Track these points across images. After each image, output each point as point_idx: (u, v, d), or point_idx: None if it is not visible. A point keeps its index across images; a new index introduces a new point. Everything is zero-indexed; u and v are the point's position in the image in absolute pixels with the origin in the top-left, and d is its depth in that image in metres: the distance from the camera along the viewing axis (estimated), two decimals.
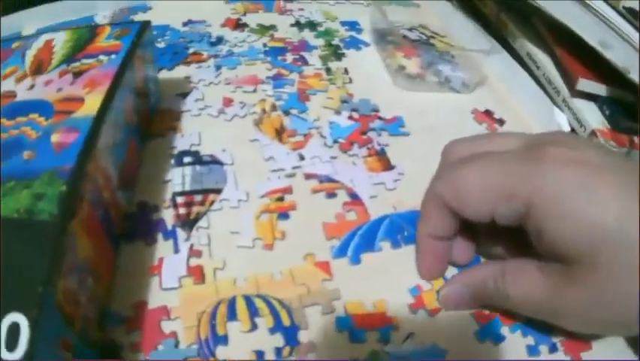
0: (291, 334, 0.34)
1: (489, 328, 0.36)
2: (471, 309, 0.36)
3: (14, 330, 0.24)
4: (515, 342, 0.35)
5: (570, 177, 0.29)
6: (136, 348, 0.33)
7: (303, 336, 0.34)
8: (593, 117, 0.52)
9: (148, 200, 0.41)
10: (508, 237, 0.36)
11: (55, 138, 0.32)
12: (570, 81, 0.53)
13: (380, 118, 0.50)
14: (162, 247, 0.38)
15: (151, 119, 0.48)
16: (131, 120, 0.42)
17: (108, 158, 0.36)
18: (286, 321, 0.35)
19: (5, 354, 0.23)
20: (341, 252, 0.39)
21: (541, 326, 0.35)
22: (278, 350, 0.33)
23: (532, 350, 0.35)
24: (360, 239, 0.40)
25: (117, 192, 0.38)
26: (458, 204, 0.33)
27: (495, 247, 0.37)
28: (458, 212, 0.34)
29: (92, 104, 0.35)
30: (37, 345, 0.24)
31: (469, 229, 0.37)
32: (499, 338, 0.35)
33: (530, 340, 0.35)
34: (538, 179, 0.30)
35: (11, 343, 0.23)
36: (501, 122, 0.53)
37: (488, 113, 0.54)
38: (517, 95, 0.57)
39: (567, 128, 0.53)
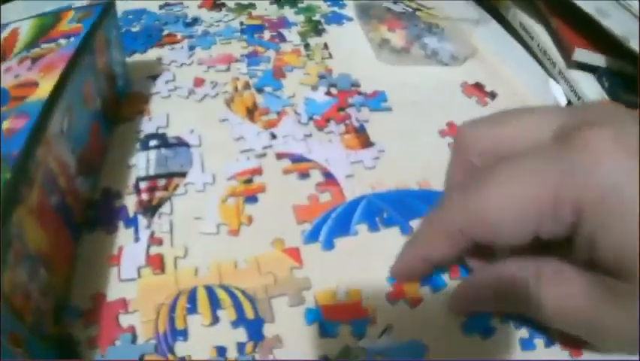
0: (254, 328, 0.30)
1: (477, 320, 0.32)
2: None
3: None
4: (507, 336, 0.31)
5: (624, 169, 0.22)
6: (93, 343, 0.30)
7: (269, 330, 0.31)
8: (591, 89, 0.48)
9: (112, 186, 0.38)
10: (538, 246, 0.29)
11: (6, 124, 0.29)
12: (566, 52, 0.49)
13: (360, 93, 0.46)
14: (123, 236, 0.35)
15: (119, 103, 0.44)
16: (93, 104, 0.39)
17: (64, 143, 0.33)
18: (250, 314, 0.31)
19: None
20: (312, 237, 0.35)
21: None
22: (240, 346, 0.30)
23: (527, 345, 0.31)
24: (334, 222, 0.36)
25: (76, 179, 0.34)
26: (488, 235, 0.27)
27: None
28: (486, 242, 0.27)
29: (45, 88, 0.32)
30: None
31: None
32: (488, 331, 0.31)
33: (524, 333, 0.31)
34: (586, 176, 0.23)
35: None
36: (492, 95, 0.48)
37: (478, 86, 0.49)
38: (509, 67, 0.52)
39: (563, 100, 0.49)
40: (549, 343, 0.31)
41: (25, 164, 0.27)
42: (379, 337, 0.31)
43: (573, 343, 0.30)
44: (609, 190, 0.23)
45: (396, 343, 0.31)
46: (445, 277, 0.34)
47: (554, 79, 0.51)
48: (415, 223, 0.36)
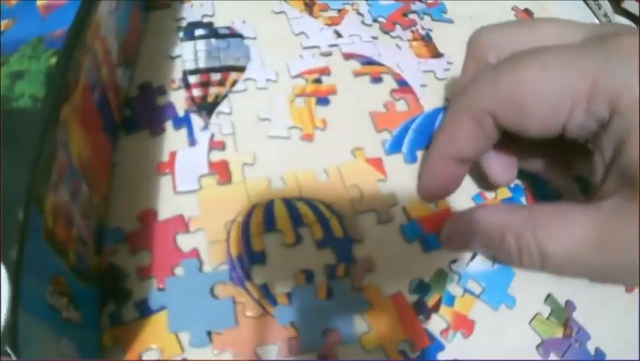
0: (344, 248, 0.22)
1: None
2: None
3: None
4: None
5: None
6: (145, 274, 0.20)
7: (358, 251, 0.22)
8: None
9: (152, 80, 0.26)
10: (551, 151, 0.23)
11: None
12: None
13: (421, 1, 0.35)
14: (173, 138, 0.24)
15: None
16: None
17: (111, 26, 0.22)
18: (338, 232, 0.22)
19: None
20: (395, 147, 0.26)
21: None
22: (330, 269, 0.21)
23: None
24: (415, 134, 0.26)
25: (117, 71, 0.23)
26: (518, 119, 0.20)
27: (535, 160, 0.24)
28: (514, 128, 0.20)
29: None
30: (22, 307, 0.13)
31: (508, 140, 0.22)
32: None
33: None
34: (627, 76, 0.18)
35: None
36: None
37: (528, 12, 0.39)
38: (557, 1, 0.42)
39: None
40: None
41: (73, 46, 0.17)
42: (471, 260, 0.23)
43: None
44: None
45: (488, 268, 0.23)
46: (522, 199, 0.26)
47: (598, 20, 0.42)
48: None
